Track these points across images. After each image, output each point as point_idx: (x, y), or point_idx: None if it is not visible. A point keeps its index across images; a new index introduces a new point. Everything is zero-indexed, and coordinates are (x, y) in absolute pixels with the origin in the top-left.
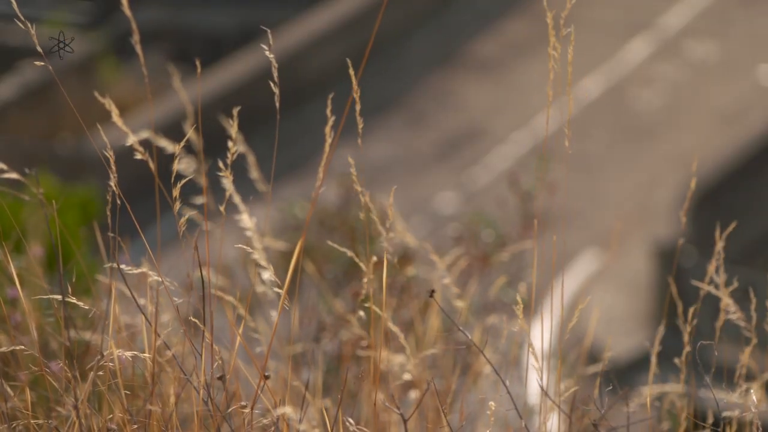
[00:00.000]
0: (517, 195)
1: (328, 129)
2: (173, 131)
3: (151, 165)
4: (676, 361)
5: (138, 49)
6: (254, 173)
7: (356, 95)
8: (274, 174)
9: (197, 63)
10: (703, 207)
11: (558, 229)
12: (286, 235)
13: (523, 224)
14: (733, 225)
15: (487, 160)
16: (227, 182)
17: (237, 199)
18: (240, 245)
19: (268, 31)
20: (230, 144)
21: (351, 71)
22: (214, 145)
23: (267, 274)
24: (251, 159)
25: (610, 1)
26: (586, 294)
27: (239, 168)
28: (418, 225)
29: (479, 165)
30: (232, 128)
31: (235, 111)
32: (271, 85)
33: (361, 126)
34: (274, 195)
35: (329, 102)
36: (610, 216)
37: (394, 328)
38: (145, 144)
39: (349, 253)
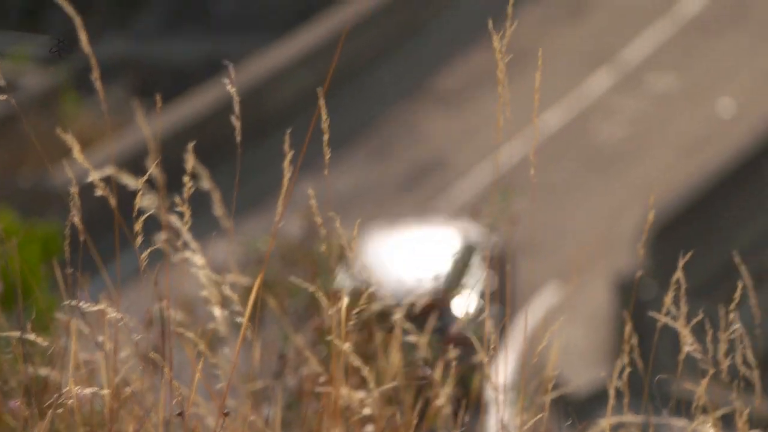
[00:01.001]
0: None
1: (286, 163)
2: (136, 166)
3: (112, 201)
4: (615, 387)
5: (98, 85)
6: (218, 210)
7: (325, 126)
8: (236, 208)
9: (157, 98)
10: (663, 238)
11: (520, 261)
12: (249, 270)
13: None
14: (688, 256)
15: (451, 192)
16: (178, 223)
17: (187, 236)
18: (209, 275)
19: (230, 65)
20: (185, 179)
21: (321, 101)
22: (178, 179)
23: (217, 311)
24: (216, 196)
25: (571, 34)
26: (547, 328)
27: (204, 202)
28: None
29: (443, 196)
30: (190, 164)
31: (190, 146)
32: (232, 119)
33: (328, 157)
34: (239, 229)
35: (287, 138)
36: (573, 248)
37: (356, 362)
38: (107, 178)
39: (311, 288)
